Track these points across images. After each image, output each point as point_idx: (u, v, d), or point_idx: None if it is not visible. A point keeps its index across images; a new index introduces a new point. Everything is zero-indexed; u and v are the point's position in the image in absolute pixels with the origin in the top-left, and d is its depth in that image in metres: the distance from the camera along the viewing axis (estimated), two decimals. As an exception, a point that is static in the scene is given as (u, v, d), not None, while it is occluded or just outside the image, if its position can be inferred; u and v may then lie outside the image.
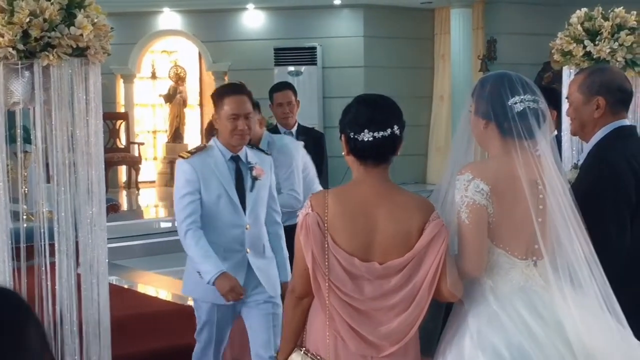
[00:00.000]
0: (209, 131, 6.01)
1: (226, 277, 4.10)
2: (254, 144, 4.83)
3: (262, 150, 4.60)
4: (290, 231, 5.11)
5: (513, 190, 2.93)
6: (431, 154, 13.93)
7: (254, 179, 4.33)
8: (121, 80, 14.16)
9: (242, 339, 5.79)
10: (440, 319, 3.06)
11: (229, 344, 5.79)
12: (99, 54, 3.73)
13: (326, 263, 2.87)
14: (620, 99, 3.53)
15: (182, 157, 4.33)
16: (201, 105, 14.53)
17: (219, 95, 4.41)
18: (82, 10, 3.64)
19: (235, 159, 4.35)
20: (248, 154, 4.37)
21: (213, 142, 4.37)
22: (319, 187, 5.49)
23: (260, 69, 12.72)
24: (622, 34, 4.52)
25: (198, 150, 4.37)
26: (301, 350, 3.02)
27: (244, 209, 4.31)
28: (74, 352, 3.82)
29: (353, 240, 2.89)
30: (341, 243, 2.89)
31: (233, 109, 4.28)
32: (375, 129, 2.88)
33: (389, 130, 2.88)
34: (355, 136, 2.89)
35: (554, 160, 2.99)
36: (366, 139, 2.88)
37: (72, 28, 3.57)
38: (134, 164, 13.67)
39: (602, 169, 3.42)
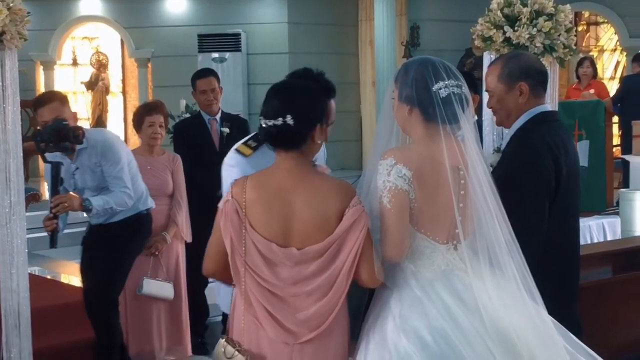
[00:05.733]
0: (136, 121, 5.95)
1: None
2: None
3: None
4: (126, 226, 5.14)
5: (435, 175, 2.95)
6: (365, 140, 13.96)
7: None
8: (41, 67, 13.85)
9: (142, 330, 5.78)
10: (363, 303, 3.07)
11: (131, 336, 5.77)
12: (15, 40, 3.65)
13: (244, 249, 2.88)
14: (540, 81, 3.58)
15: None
16: (124, 92, 14.32)
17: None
18: (-4, -6, 3.55)
19: None
20: None
21: None
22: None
23: (183, 56, 12.60)
24: (541, 20, 4.58)
25: None
26: (223, 339, 3.01)
27: None
28: (-6, 343, 3.75)
29: (271, 226, 2.89)
30: (259, 229, 2.89)
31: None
32: (268, 118, 2.91)
33: (280, 120, 2.88)
34: (260, 123, 2.94)
35: (476, 145, 3.02)
36: (263, 126, 2.92)
37: (-14, 13, 3.49)
38: (55, 153, 13.37)
39: (523, 155, 3.46)
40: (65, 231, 5.16)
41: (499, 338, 2.85)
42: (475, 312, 2.88)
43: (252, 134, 3.76)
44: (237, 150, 3.67)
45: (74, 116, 5.19)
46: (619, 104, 10.15)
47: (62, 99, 5.05)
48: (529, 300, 2.93)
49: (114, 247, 5.18)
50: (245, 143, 3.67)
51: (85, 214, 5.16)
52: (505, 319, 2.88)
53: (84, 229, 5.51)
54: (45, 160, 4.86)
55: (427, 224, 2.97)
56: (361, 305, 3.07)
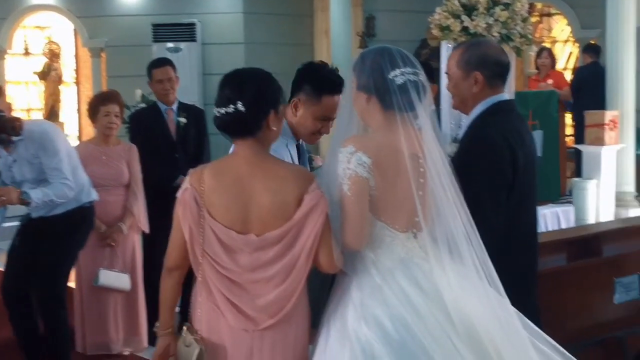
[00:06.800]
0: (91, 111, 5.88)
1: None
2: None
3: None
4: (68, 219, 5.09)
5: (395, 163, 2.96)
6: (320, 128, 13.93)
7: None
8: (-8, 57, 13.65)
9: (98, 322, 5.74)
10: (325, 291, 3.08)
11: (87, 328, 5.73)
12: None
13: (202, 237, 2.89)
14: (497, 73, 3.57)
15: None
16: (77, 82, 14.15)
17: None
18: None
19: None
20: None
21: None
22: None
23: (138, 45, 12.46)
24: (497, 9, 4.62)
25: None
26: (185, 327, 3.00)
27: None
28: None
29: (230, 213, 2.90)
30: (218, 216, 2.90)
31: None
32: (220, 105, 2.92)
33: (231, 107, 2.89)
34: (214, 112, 2.94)
35: (434, 133, 3.03)
36: (217, 115, 2.93)
37: None
38: (7, 143, 13.19)
39: (479, 146, 3.46)
40: (5, 224, 5.11)
41: (461, 326, 2.86)
42: (434, 300, 2.90)
43: None
44: None
45: (9, 107, 5.11)
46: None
47: None
48: (491, 290, 2.95)
49: (57, 241, 5.12)
50: None
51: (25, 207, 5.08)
52: (467, 307, 2.90)
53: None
54: None
55: (387, 212, 2.98)
56: (322, 293, 3.07)
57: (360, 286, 2.94)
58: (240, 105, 2.88)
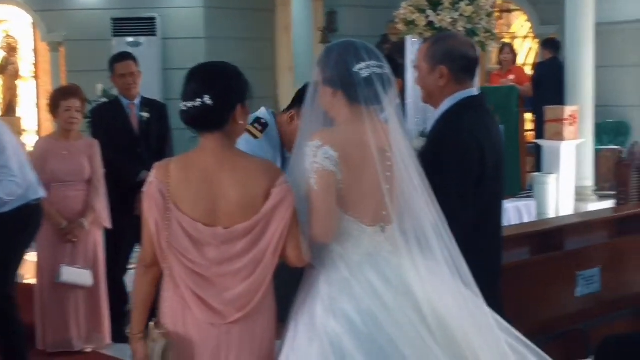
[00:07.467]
0: (52, 105, 5.81)
1: None
2: None
3: None
4: (16, 217, 5.03)
5: (362, 157, 2.97)
6: (284, 125, 13.90)
7: None
8: (-53, 51, 13.44)
9: (59, 319, 5.68)
10: (293, 285, 3.07)
11: (48, 325, 5.67)
12: None
13: (169, 230, 2.87)
14: (463, 67, 3.55)
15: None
16: (36, 77, 13.98)
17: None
18: None
19: None
20: None
21: None
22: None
23: (97, 40, 12.32)
24: (462, 4, 4.64)
25: None
26: (152, 323, 2.99)
27: None
28: None
29: (197, 206, 2.89)
30: (185, 209, 2.89)
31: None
32: (187, 99, 2.90)
33: (198, 101, 2.87)
34: (180, 106, 2.92)
35: (401, 126, 3.04)
36: (183, 109, 2.91)
37: None
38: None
39: (448, 140, 3.45)
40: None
41: (433, 321, 2.87)
42: (403, 294, 2.91)
43: (254, 118, 3.80)
44: (247, 131, 3.75)
45: None
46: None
47: None
48: (462, 285, 2.96)
49: (4, 240, 5.02)
50: (252, 125, 3.78)
51: None
52: (440, 304, 2.91)
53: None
54: None
55: (354, 206, 2.98)
56: (290, 288, 3.07)
57: (328, 280, 2.94)
58: (207, 99, 2.87)
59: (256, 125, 3.82)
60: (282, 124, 3.53)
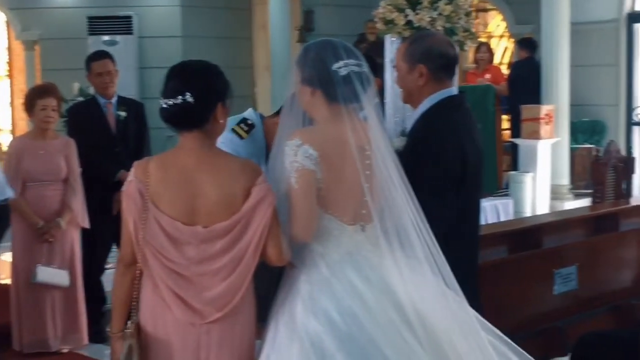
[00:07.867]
0: (28, 104, 5.77)
1: None
2: None
3: None
4: None
5: (341, 155, 2.96)
6: (260, 123, 13.86)
7: None
8: None
9: (36, 319, 5.63)
10: (273, 285, 3.06)
11: (24, 326, 5.62)
12: None
13: (147, 229, 2.85)
14: (442, 66, 3.53)
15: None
16: (10, 76, 13.87)
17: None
18: None
19: None
20: None
21: None
22: None
23: (73, 38, 12.25)
24: (441, 3, 4.66)
25: None
26: (131, 322, 2.97)
27: None
28: None
29: (176, 205, 2.87)
30: (164, 208, 2.88)
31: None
32: (167, 97, 2.88)
33: (179, 99, 2.86)
34: (160, 104, 2.91)
35: (380, 124, 3.04)
36: (164, 106, 2.89)
37: None
38: (-63, 138, 12.92)
39: (428, 140, 3.44)
40: None
41: (415, 320, 2.87)
42: (384, 293, 2.90)
43: (240, 119, 3.82)
44: (233, 130, 3.75)
45: None
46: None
47: None
48: (441, 280, 2.96)
49: None
50: (238, 125, 3.77)
51: None
52: (422, 304, 2.91)
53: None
54: None
55: (334, 205, 2.98)
56: (271, 287, 3.06)
57: (309, 280, 2.94)
58: (188, 97, 2.86)
59: (242, 125, 3.83)
60: (269, 127, 3.53)
